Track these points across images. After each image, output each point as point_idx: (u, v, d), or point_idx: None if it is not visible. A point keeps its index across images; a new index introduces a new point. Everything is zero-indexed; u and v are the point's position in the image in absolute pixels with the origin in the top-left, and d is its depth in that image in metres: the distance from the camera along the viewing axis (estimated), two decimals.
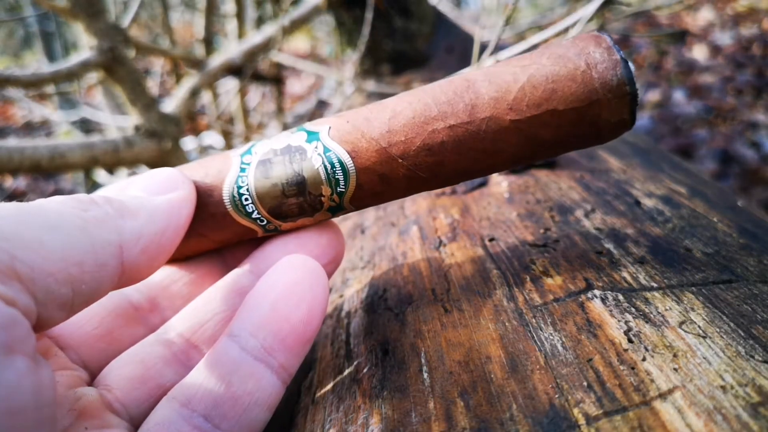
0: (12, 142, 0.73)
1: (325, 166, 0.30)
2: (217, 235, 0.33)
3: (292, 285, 0.27)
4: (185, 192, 0.29)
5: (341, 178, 0.30)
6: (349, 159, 0.30)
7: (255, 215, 0.31)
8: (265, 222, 0.31)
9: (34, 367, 0.20)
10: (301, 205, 0.31)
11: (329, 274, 0.33)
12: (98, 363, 0.31)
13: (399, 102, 0.31)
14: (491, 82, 0.29)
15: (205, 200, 0.31)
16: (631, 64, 0.28)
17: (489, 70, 0.30)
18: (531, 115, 0.28)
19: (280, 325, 0.27)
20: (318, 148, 0.30)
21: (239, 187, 0.30)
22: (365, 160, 0.30)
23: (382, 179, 0.30)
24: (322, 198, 0.30)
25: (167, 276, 0.34)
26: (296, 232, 0.33)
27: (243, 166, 0.31)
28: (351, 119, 0.31)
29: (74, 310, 0.23)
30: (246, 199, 0.31)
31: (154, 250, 0.27)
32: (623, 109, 0.28)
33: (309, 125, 0.31)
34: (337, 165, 0.30)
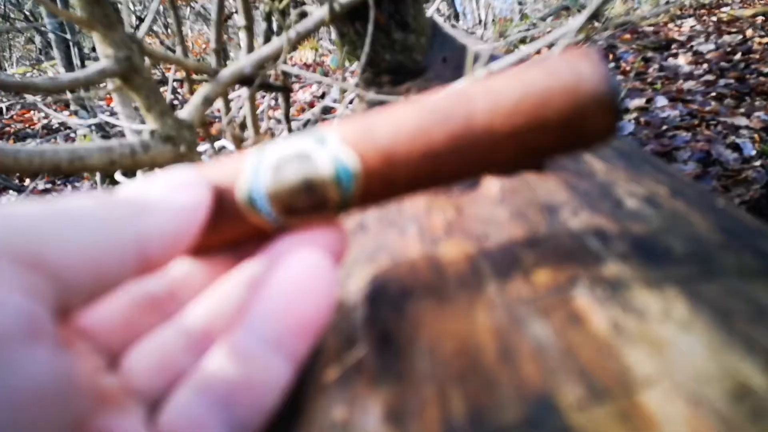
0: (32, 145, 0.74)
1: (333, 170, 0.30)
2: (229, 233, 0.33)
3: (303, 277, 0.28)
4: (202, 191, 0.30)
5: (348, 181, 0.30)
6: (356, 164, 0.30)
7: (267, 214, 0.31)
8: (276, 220, 0.32)
9: (56, 356, 0.20)
10: (310, 206, 0.31)
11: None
12: (116, 351, 0.31)
13: (401, 111, 0.31)
14: (487, 95, 0.30)
15: (220, 200, 0.31)
16: (617, 80, 0.29)
17: (485, 83, 0.31)
18: (524, 126, 0.29)
19: (292, 315, 0.27)
20: (326, 152, 0.31)
21: (252, 189, 0.31)
22: (371, 165, 0.30)
23: (386, 183, 0.31)
24: (330, 199, 0.31)
25: (184, 269, 0.34)
26: (304, 229, 0.33)
27: (256, 168, 0.31)
28: (357, 126, 0.31)
29: (94, 301, 0.24)
30: (259, 200, 0.31)
31: (172, 246, 0.27)
32: (608, 122, 0.29)
33: (317, 131, 0.32)
34: (345, 169, 0.30)
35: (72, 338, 0.29)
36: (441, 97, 0.31)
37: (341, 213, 0.33)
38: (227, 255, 0.36)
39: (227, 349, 0.28)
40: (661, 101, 2.52)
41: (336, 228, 0.34)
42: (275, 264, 0.33)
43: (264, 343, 0.27)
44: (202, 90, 1.05)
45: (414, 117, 0.30)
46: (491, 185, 0.47)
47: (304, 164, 0.31)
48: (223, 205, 0.32)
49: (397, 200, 0.33)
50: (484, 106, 0.29)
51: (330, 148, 0.31)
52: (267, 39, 1.48)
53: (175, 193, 0.29)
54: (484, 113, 0.29)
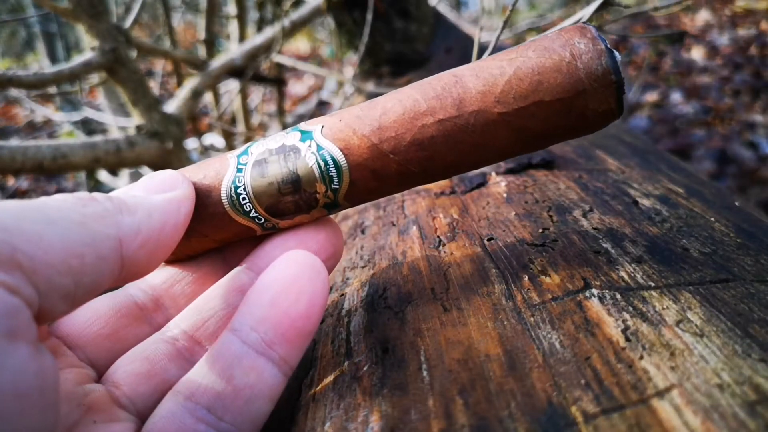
0: (14, 142, 0.73)
1: (318, 164, 0.30)
2: (218, 235, 0.33)
3: (291, 279, 0.28)
4: (184, 191, 0.30)
5: (335, 175, 0.30)
6: (342, 156, 0.30)
7: (253, 214, 0.31)
8: (262, 220, 0.32)
9: (36, 353, 0.21)
10: (297, 203, 0.31)
11: (329, 270, 0.33)
12: (105, 361, 0.31)
13: (389, 99, 0.31)
14: (478, 77, 0.29)
15: (204, 200, 0.31)
16: (617, 54, 0.28)
17: (477, 64, 0.30)
18: (518, 107, 0.28)
19: (281, 318, 0.27)
20: (311, 146, 0.31)
21: (236, 187, 0.31)
22: (357, 156, 0.30)
23: (375, 175, 0.31)
24: (317, 195, 0.31)
25: (170, 276, 0.35)
26: (294, 230, 0.33)
27: (240, 167, 0.31)
28: (343, 118, 0.31)
29: (77, 302, 0.24)
30: (243, 198, 0.31)
31: (153, 246, 0.27)
32: (609, 98, 0.28)
33: (303, 125, 0.32)
34: (331, 162, 0.30)
35: (59, 348, 0.30)
36: (430, 82, 0.31)
37: (332, 211, 0.33)
38: (214, 260, 0.36)
39: (213, 355, 0.28)
40: (676, 97, 2.52)
41: (328, 227, 0.34)
42: (262, 267, 0.33)
43: (250, 347, 0.27)
44: (191, 82, 1.04)
45: (402, 104, 0.30)
46: (498, 183, 0.47)
47: (287, 160, 0.31)
48: (207, 207, 0.32)
49: (390, 194, 0.33)
50: (475, 89, 0.29)
51: (314, 142, 0.31)
52: (259, 29, 1.48)
53: (156, 193, 0.29)
54: (476, 95, 0.29)
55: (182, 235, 0.30)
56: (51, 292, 0.22)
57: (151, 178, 0.30)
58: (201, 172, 0.32)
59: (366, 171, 0.30)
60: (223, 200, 0.31)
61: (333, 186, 0.31)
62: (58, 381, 0.22)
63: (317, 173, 0.30)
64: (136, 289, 0.34)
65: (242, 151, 0.32)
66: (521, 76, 0.28)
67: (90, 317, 0.32)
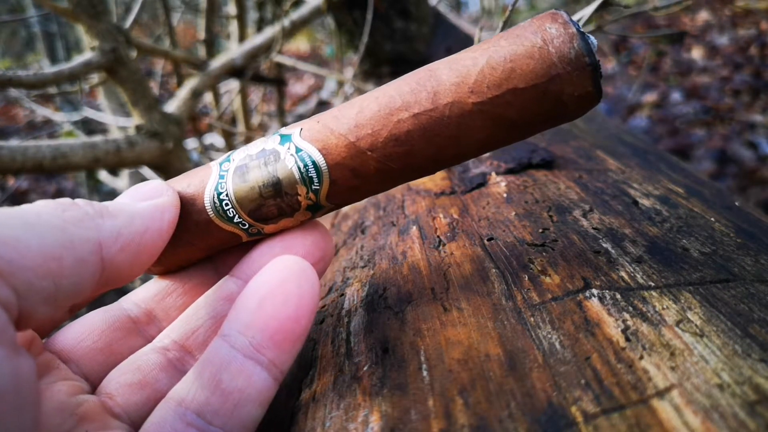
0: (14, 142, 0.73)
1: (298, 166, 0.31)
2: (204, 242, 0.33)
3: (278, 283, 0.28)
4: (168, 198, 0.31)
5: (314, 175, 0.31)
6: (320, 156, 0.30)
7: (236, 219, 0.32)
8: (247, 226, 0.32)
9: (12, 355, 0.21)
10: (279, 206, 0.31)
11: (319, 273, 0.33)
12: (99, 374, 0.32)
13: (366, 98, 0.31)
14: (452, 69, 0.30)
15: (189, 209, 0.32)
16: (591, 38, 0.28)
17: (451, 57, 0.31)
18: (492, 96, 0.28)
19: (268, 322, 0.27)
20: (290, 149, 0.31)
21: (219, 193, 0.32)
22: (336, 155, 0.30)
23: (355, 173, 0.31)
24: (299, 197, 0.31)
25: (162, 289, 0.36)
26: (281, 236, 0.33)
27: (222, 173, 0.32)
28: (321, 119, 0.32)
29: (60, 305, 0.24)
30: (226, 204, 0.32)
31: (135, 250, 0.28)
32: (585, 81, 0.28)
33: (283, 129, 0.33)
34: (310, 163, 0.31)
35: (53, 362, 0.30)
36: (405, 79, 0.31)
37: (316, 213, 0.33)
38: (205, 271, 0.37)
39: (202, 361, 0.28)
40: (676, 97, 2.53)
41: (315, 232, 0.34)
42: (250, 275, 0.33)
43: (238, 352, 0.27)
44: (191, 82, 1.04)
45: (378, 101, 0.31)
46: (498, 183, 0.47)
47: (268, 164, 0.31)
48: (191, 215, 0.32)
49: (374, 193, 0.33)
50: (449, 81, 0.29)
51: (292, 144, 0.31)
52: (259, 29, 1.48)
53: (138, 200, 0.30)
54: (450, 87, 0.29)
55: (167, 241, 0.30)
56: (31, 295, 0.22)
57: (137, 188, 0.31)
58: (186, 181, 0.33)
59: (345, 170, 0.31)
60: (206, 207, 0.32)
61: (314, 187, 0.31)
62: (36, 382, 0.23)
63: (297, 175, 0.31)
64: (129, 303, 0.35)
65: (225, 158, 0.33)
66: (493, 64, 0.28)
67: (84, 331, 0.32)
